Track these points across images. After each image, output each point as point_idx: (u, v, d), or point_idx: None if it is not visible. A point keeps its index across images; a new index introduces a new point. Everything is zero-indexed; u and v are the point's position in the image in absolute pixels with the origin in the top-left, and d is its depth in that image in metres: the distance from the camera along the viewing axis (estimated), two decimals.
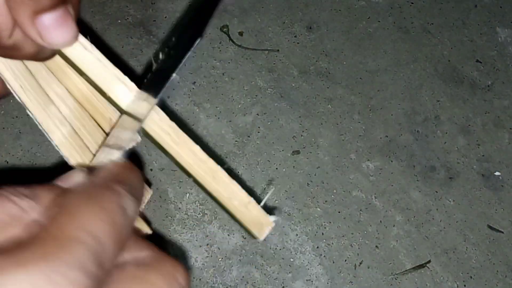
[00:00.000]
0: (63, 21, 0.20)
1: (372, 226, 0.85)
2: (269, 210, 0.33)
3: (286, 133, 0.93)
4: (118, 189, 0.21)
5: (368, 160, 0.92)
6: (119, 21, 0.99)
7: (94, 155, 0.31)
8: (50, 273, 0.16)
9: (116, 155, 0.28)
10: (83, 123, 0.31)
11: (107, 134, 0.31)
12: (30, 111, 0.29)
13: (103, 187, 0.21)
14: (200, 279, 0.78)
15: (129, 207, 0.21)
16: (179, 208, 0.83)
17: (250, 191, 0.86)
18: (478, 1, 1.15)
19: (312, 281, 0.80)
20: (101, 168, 0.23)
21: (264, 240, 0.82)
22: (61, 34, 0.20)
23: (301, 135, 0.93)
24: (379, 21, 1.09)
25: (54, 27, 0.19)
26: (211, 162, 0.30)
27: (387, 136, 0.95)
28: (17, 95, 0.29)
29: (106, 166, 0.23)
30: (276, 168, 0.89)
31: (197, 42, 0.31)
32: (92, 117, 0.32)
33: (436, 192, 0.90)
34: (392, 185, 0.90)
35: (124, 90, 0.28)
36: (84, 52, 0.26)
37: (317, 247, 0.82)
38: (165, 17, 1.02)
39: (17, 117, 0.87)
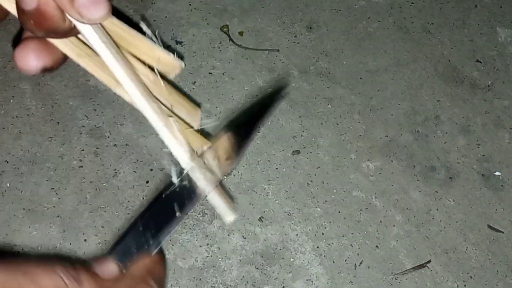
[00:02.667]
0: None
1: (372, 226, 0.85)
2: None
3: (286, 133, 0.93)
4: (151, 283, 0.27)
5: (368, 160, 0.92)
6: None
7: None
8: None
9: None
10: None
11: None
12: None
13: (138, 281, 0.27)
14: (200, 279, 0.78)
15: None
16: None
17: (251, 188, 0.85)
18: (478, 1, 1.15)
19: (312, 281, 0.80)
20: (136, 262, 0.29)
21: (265, 240, 0.82)
22: (97, 11, 0.24)
23: (301, 135, 0.93)
24: (379, 21, 1.09)
25: (90, 5, 0.24)
26: None
27: (387, 136, 0.95)
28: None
29: (141, 260, 0.29)
30: (276, 168, 0.89)
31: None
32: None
33: (436, 192, 0.90)
34: (392, 185, 0.90)
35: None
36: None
37: (317, 247, 0.82)
38: (165, 17, 1.02)
39: (17, 117, 0.87)
